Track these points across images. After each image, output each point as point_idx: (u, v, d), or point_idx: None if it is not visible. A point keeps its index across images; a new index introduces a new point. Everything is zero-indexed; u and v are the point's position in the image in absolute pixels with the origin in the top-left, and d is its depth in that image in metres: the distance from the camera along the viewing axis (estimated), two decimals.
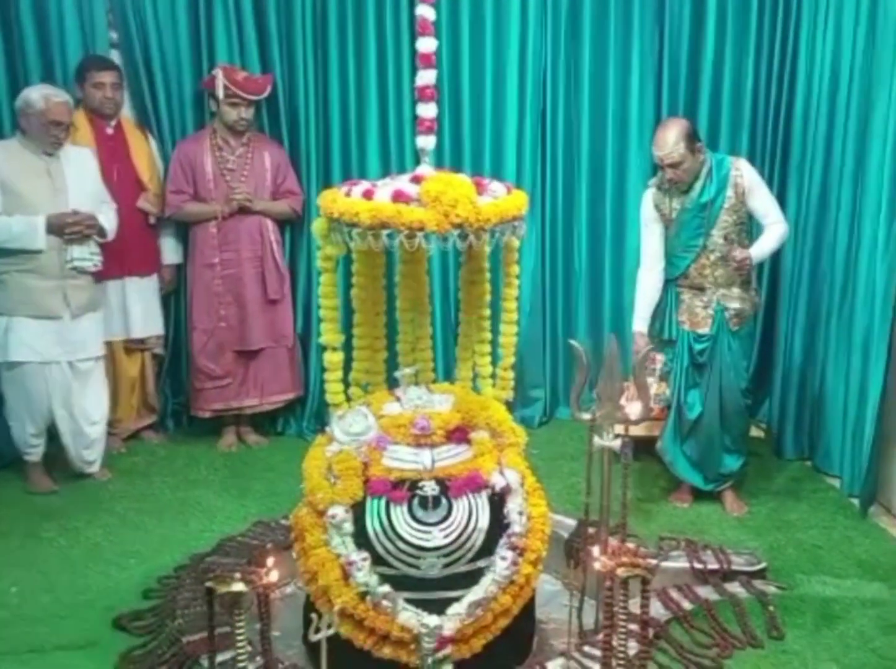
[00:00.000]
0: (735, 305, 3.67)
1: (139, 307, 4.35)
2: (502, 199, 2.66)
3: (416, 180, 2.61)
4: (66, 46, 4.22)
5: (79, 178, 3.85)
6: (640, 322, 3.77)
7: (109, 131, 4.22)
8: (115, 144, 4.22)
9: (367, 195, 2.59)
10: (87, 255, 3.85)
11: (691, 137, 3.56)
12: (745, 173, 3.62)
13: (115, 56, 4.33)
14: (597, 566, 2.25)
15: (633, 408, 2.93)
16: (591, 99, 4.58)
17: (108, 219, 3.95)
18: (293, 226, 4.55)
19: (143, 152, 4.31)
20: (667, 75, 4.51)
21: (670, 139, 3.52)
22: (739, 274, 3.63)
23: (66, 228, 3.77)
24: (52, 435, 4.02)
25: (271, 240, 4.38)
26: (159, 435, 4.60)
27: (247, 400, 4.47)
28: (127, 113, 4.37)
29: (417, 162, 2.81)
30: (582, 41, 4.52)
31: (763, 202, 3.65)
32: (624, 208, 4.68)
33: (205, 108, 4.39)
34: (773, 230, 3.66)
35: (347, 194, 2.65)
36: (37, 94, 3.78)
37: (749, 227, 3.76)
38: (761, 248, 3.63)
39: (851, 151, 3.93)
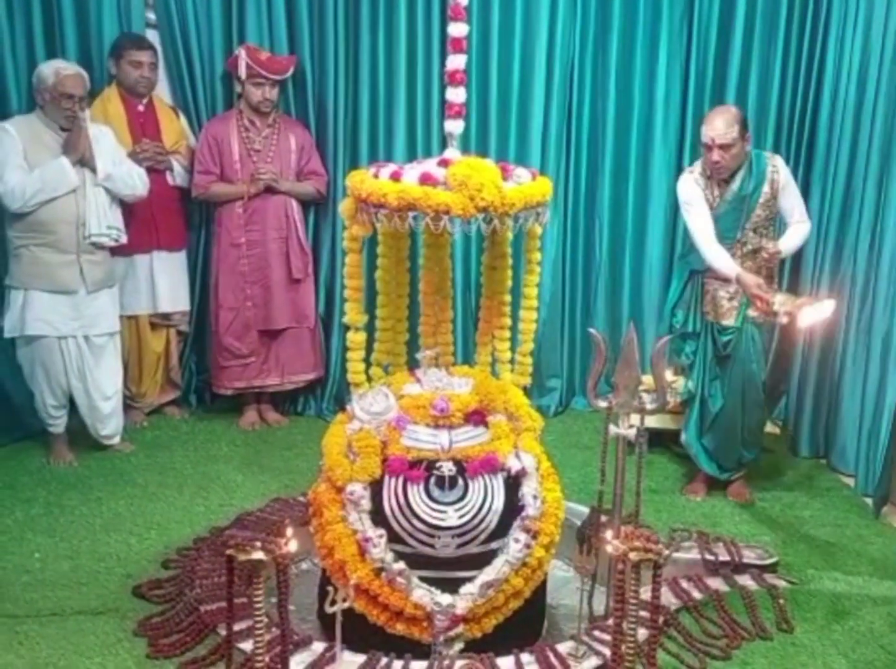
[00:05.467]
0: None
1: (166, 281, 4.40)
2: (527, 185, 2.69)
3: (444, 164, 2.64)
4: (103, 26, 4.26)
5: (96, 154, 3.84)
6: (732, 266, 3.59)
7: (140, 108, 4.26)
8: (145, 121, 4.27)
9: (395, 177, 2.62)
10: (104, 230, 3.88)
11: (743, 123, 3.59)
12: (780, 170, 3.66)
13: (152, 35, 4.38)
14: (609, 549, 2.28)
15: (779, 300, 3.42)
16: (618, 89, 4.58)
17: (125, 175, 3.94)
18: (317, 207, 4.59)
19: (174, 129, 4.34)
20: (694, 69, 4.51)
21: (725, 120, 3.54)
22: (767, 267, 3.64)
23: (74, 141, 3.74)
24: (74, 407, 4.08)
25: (296, 220, 4.42)
26: (181, 410, 4.66)
27: (269, 379, 4.52)
28: (162, 92, 4.41)
29: (444, 146, 2.84)
30: (611, 31, 4.52)
31: (793, 200, 3.69)
32: (647, 199, 4.69)
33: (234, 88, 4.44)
34: (799, 228, 3.69)
35: (375, 175, 2.68)
36: (48, 69, 3.81)
37: (776, 223, 3.78)
38: (789, 245, 3.64)
39: (876, 154, 3.92)
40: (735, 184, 3.64)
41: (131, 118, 4.22)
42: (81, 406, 4.04)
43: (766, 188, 3.63)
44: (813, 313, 3.42)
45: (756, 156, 3.66)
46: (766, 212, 3.66)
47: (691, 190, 3.68)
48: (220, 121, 4.39)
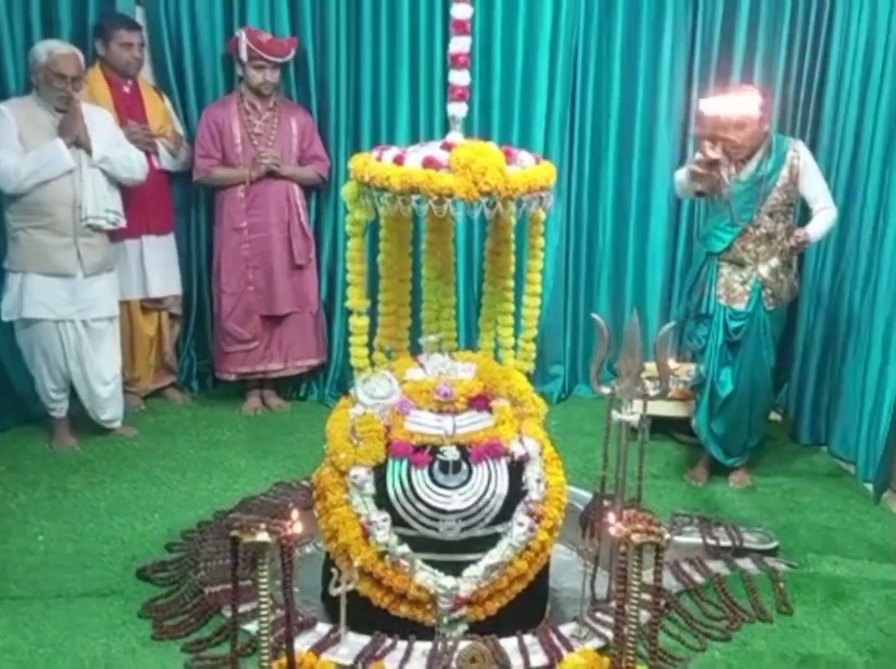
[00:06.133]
0: (774, 285, 3.69)
1: (157, 266, 4.38)
2: (531, 170, 2.68)
3: (447, 147, 2.64)
4: (88, 3, 4.21)
5: (91, 136, 3.82)
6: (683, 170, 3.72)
7: (126, 90, 4.23)
8: (131, 103, 4.24)
9: (398, 160, 2.62)
10: (101, 213, 3.87)
11: (761, 105, 3.58)
12: (802, 155, 3.66)
13: (139, 14, 4.34)
14: (612, 531, 2.29)
15: None
16: (622, 73, 4.56)
17: (122, 158, 3.92)
18: (319, 191, 4.58)
19: (159, 111, 4.32)
20: (698, 51, 4.49)
21: (741, 100, 3.54)
22: (795, 252, 3.66)
23: (69, 123, 3.73)
24: (75, 392, 4.09)
25: (297, 205, 4.41)
26: (183, 394, 4.66)
27: (271, 364, 4.52)
28: (146, 73, 4.38)
29: (446, 129, 2.83)
30: (615, 14, 4.49)
31: (814, 186, 3.67)
32: (650, 185, 4.67)
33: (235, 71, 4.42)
34: (824, 215, 3.66)
35: (378, 159, 2.68)
36: (42, 49, 3.77)
37: (797, 209, 3.77)
38: (817, 231, 3.63)
39: (881, 136, 3.90)
40: (751, 165, 3.64)
41: (117, 100, 4.19)
42: (81, 391, 4.04)
43: (784, 172, 3.62)
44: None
45: (778, 139, 3.67)
46: (784, 197, 3.65)
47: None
48: (220, 104, 4.38)
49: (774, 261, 3.68)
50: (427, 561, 2.69)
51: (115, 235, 4.06)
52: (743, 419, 3.84)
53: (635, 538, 2.22)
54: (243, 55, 4.20)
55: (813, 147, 4.31)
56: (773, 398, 4.07)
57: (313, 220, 4.58)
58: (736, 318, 3.73)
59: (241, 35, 4.21)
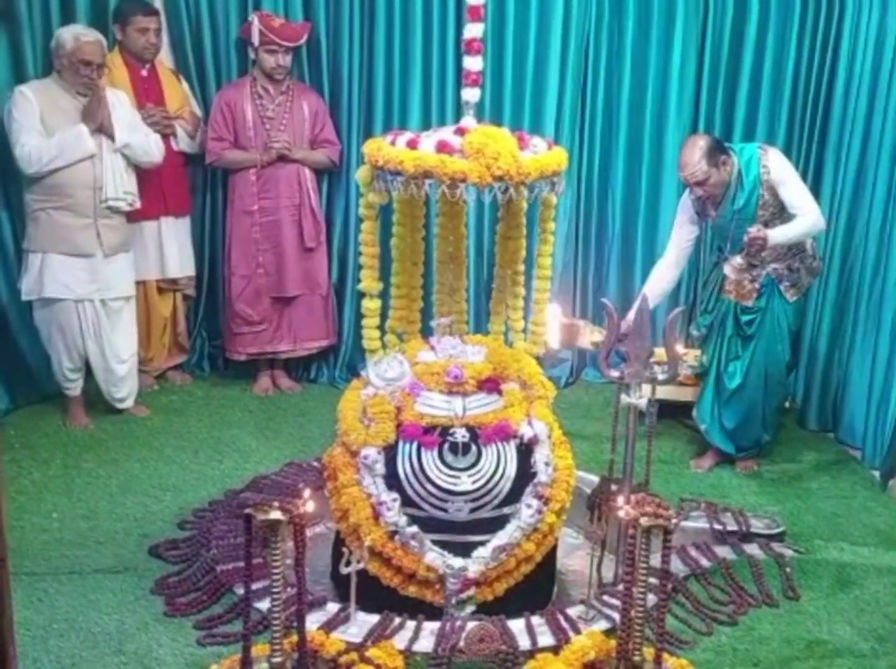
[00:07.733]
0: (790, 277, 3.69)
1: (175, 247, 4.42)
2: (543, 155, 2.70)
3: (460, 132, 2.65)
4: None
5: (114, 121, 3.85)
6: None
7: (144, 73, 4.26)
8: (149, 87, 4.26)
9: (412, 145, 2.63)
10: (120, 194, 3.90)
11: (713, 152, 3.55)
12: (772, 169, 3.59)
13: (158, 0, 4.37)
14: (620, 514, 2.31)
15: None
16: (633, 62, 4.54)
17: (143, 142, 3.96)
18: (331, 175, 4.59)
19: (177, 94, 4.35)
20: (709, 40, 4.46)
21: (691, 159, 3.54)
22: (751, 249, 3.56)
23: (93, 109, 3.76)
24: (90, 371, 4.12)
25: (308, 188, 4.42)
26: (184, 375, 4.67)
27: (281, 345, 4.55)
28: (164, 56, 4.39)
29: (458, 114, 2.85)
30: (626, 3, 4.47)
31: (791, 195, 3.60)
32: (660, 172, 4.66)
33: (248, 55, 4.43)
34: (801, 219, 3.59)
35: (392, 143, 2.69)
36: (68, 34, 3.80)
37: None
38: (782, 232, 3.57)
39: (890, 133, 3.89)
40: (727, 203, 3.64)
41: (135, 83, 4.22)
42: (97, 369, 4.08)
43: (760, 191, 3.60)
44: None
45: (746, 163, 3.60)
46: (772, 209, 3.63)
47: (686, 206, 3.79)
48: (233, 88, 4.39)
49: (784, 258, 3.65)
50: (436, 542, 2.72)
51: (131, 216, 4.10)
52: (756, 412, 3.84)
53: (644, 521, 2.24)
54: (256, 39, 4.22)
55: (822, 139, 4.30)
56: (787, 392, 4.05)
57: (324, 204, 4.59)
58: (747, 312, 3.72)
59: (254, 19, 4.22)
